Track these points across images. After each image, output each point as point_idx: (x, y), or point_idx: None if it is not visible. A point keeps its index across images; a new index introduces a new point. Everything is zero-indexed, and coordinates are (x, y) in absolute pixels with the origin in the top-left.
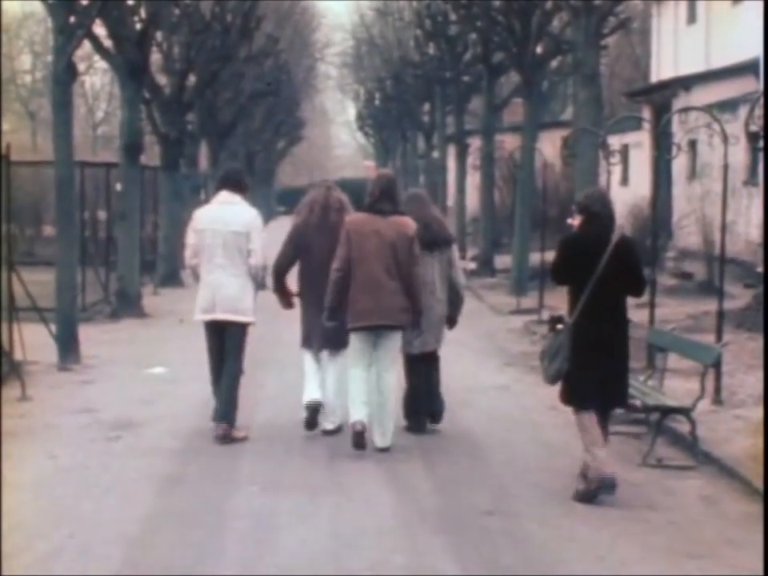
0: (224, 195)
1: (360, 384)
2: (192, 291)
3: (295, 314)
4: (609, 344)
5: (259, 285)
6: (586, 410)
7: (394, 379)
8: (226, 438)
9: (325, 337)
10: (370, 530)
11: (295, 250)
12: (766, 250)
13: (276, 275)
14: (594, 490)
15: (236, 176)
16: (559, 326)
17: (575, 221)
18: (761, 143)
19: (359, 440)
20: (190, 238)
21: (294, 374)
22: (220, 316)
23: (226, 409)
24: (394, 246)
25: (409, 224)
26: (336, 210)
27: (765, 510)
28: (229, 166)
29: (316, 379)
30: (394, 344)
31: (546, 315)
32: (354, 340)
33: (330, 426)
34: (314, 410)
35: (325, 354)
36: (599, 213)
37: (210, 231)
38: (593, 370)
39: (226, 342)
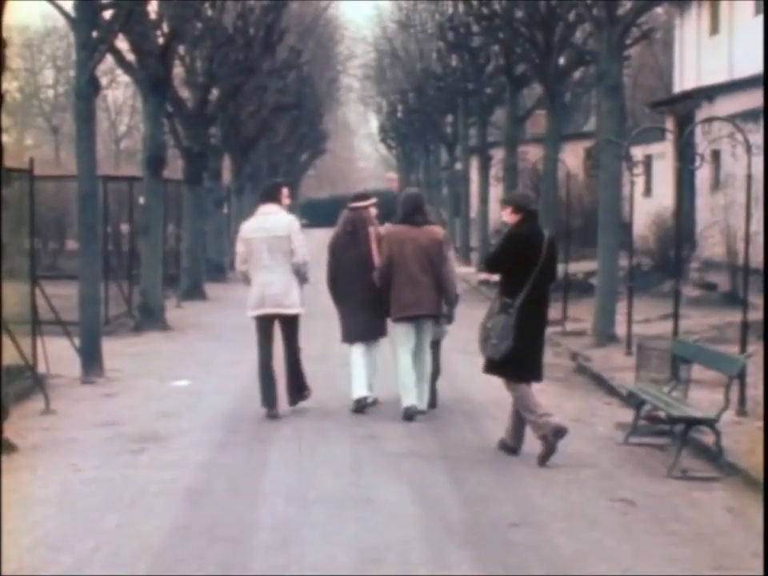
0: (263, 207)
1: (407, 367)
2: (215, 305)
3: None
4: (541, 325)
5: (303, 279)
6: (527, 383)
7: (429, 356)
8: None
9: (362, 331)
10: (396, 543)
11: (335, 263)
12: (765, 255)
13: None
14: (553, 444)
15: (270, 190)
16: (510, 310)
17: (509, 216)
18: None
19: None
20: (239, 247)
21: (318, 385)
22: (269, 310)
23: (297, 388)
24: (427, 250)
25: (437, 231)
26: (360, 229)
27: (765, 511)
28: (267, 182)
29: (361, 376)
30: (429, 328)
31: (569, 327)
32: (400, 327)
33: (368, 400)
34: (362, 405)
35: (363, 344)
36: (534, 211)
37: (255, 239)
38: (533, 348)
39: (281, 331)
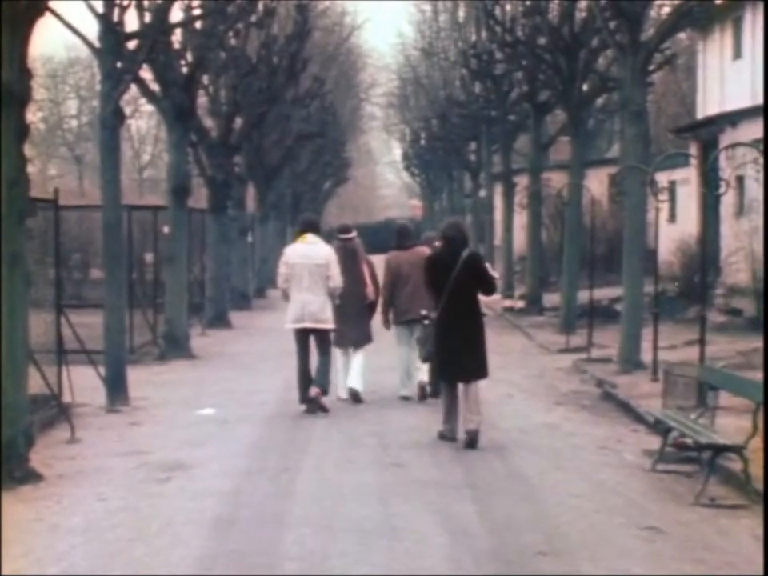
0: (307, 237)
1: (404, 361)
2: (240, 333)
3: None
4: (464, 331)
5: (335, 300)
6: (449, 383)
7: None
8: (316, 402)
9: (353, 338)
10: (423, 572)
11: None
12: (766, 267)
13: None
14: (448, 438)
15: (314, 223)
16: (426, 321)
17: (438, 243)
18: None
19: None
20: (282, 269)
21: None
22: (308, 324)
23: (323, 380)
24: (417, 267)
25: (424, 251)
26: (350, 258)
27: (765, 512)
28: (307, 216)
29: (344, 376)
30: (419, 329)
31: (595, 353)
32: (398, 329)
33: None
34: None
35: (352, 349)
36: (453, 237)
37: (299, 264)
38: (453, 351)
39: (315, 343)
